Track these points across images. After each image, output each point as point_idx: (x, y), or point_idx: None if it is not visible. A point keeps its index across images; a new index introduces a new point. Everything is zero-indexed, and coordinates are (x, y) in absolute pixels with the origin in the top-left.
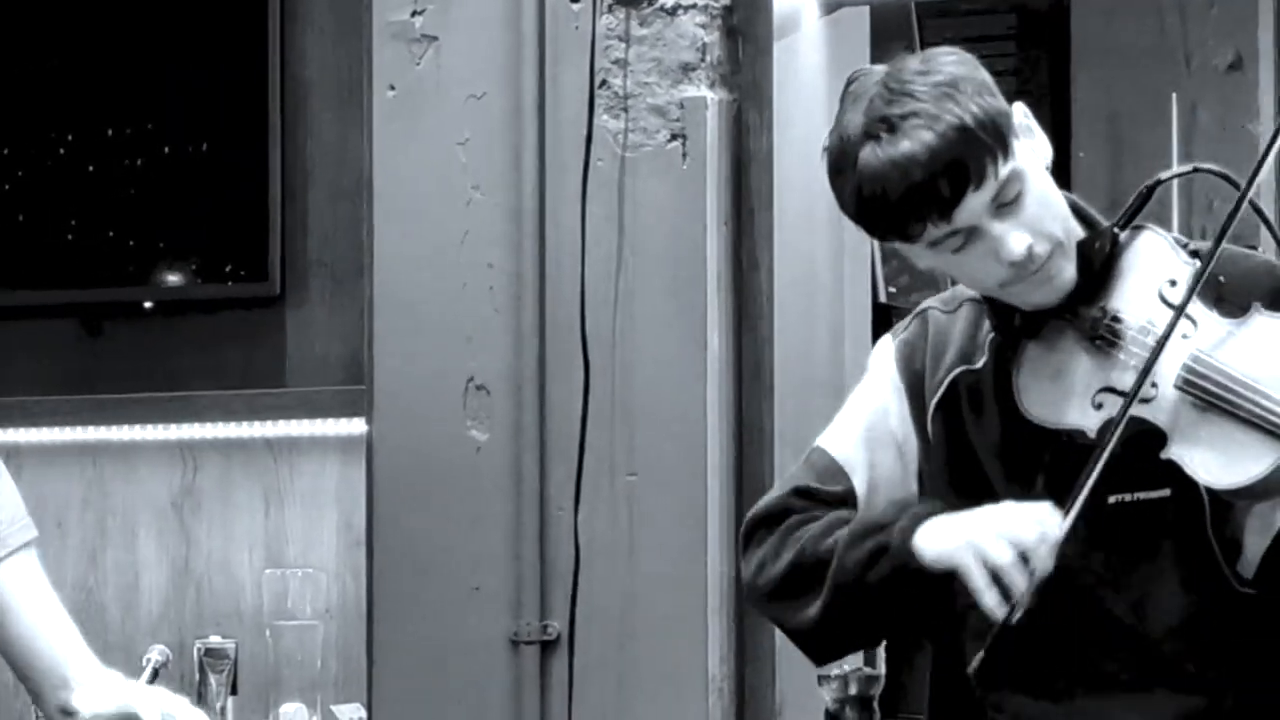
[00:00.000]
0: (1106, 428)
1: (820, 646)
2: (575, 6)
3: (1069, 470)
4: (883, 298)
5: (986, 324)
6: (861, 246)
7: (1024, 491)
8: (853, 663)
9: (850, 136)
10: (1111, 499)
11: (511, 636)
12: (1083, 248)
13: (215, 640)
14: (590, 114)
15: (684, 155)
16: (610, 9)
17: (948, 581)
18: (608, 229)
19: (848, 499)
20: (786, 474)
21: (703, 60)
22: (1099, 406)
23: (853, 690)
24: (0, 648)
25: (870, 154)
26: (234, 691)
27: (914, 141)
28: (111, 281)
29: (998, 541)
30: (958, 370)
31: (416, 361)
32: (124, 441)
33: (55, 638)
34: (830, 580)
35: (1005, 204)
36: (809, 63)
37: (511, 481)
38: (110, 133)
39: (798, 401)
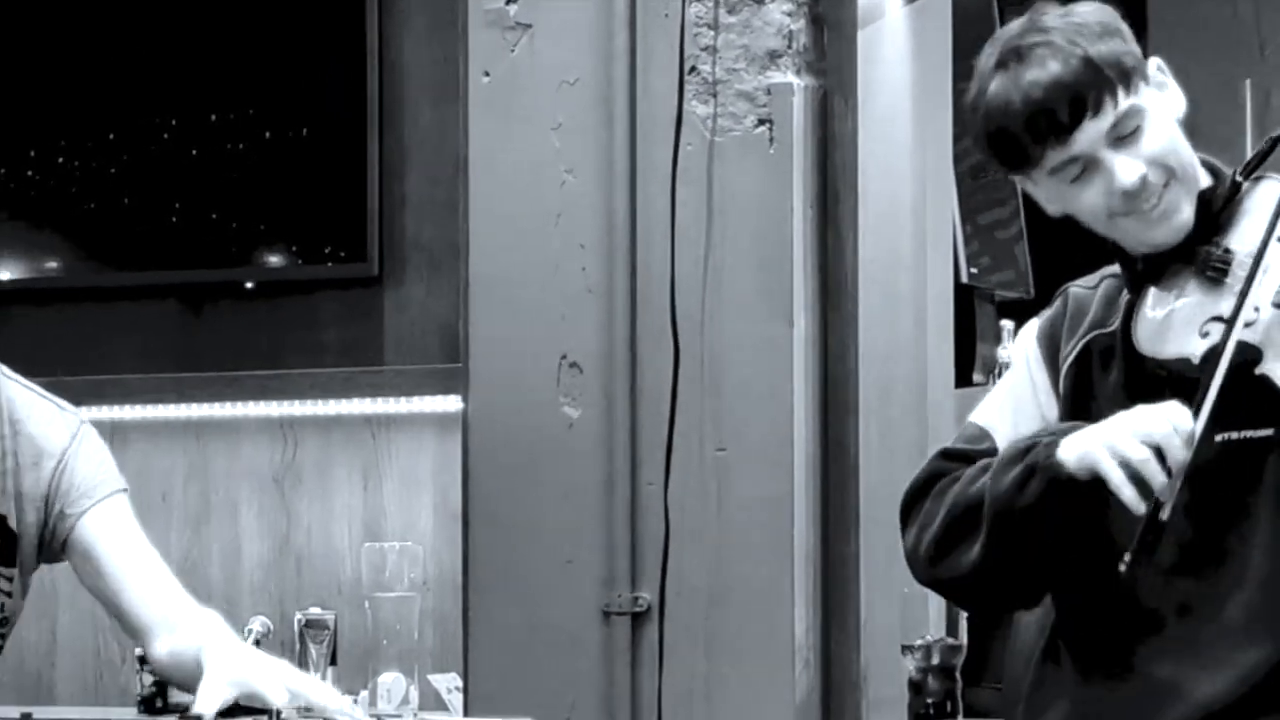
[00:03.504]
0: (1210, 355)
1: (984, 592)
2: None
3: (1186, 404)
4: (964, 278)
5: (1123, 293)
6: (944, 228)
7: None
8: (935, 633)
9: (984, 71)
10: (1218, 437)
11: (603, 608)
12: (1204, 195)
13: (315, 611)
14: (680, 99)
15: (771, 140)
16: None
17: (1098, 489)
18: (697, 211)
19: (992, 454)
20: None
21: (789, 47)
22: (1205, 335)
23: (935, 660)
24: (96, 596)
25: (999, 81)
26: (333, 661)
27: (1039, 68)
28: (214, 263)
29: (1131, 439)
30: (1092, 334)
31: (511, 340)
32: (226, 418)
33: (146, 581)
34: (987, 512)
35: (1122, 137)
36: (892, 50)
37: (603, 456)
38: (213, 118)
39: (881, 378)
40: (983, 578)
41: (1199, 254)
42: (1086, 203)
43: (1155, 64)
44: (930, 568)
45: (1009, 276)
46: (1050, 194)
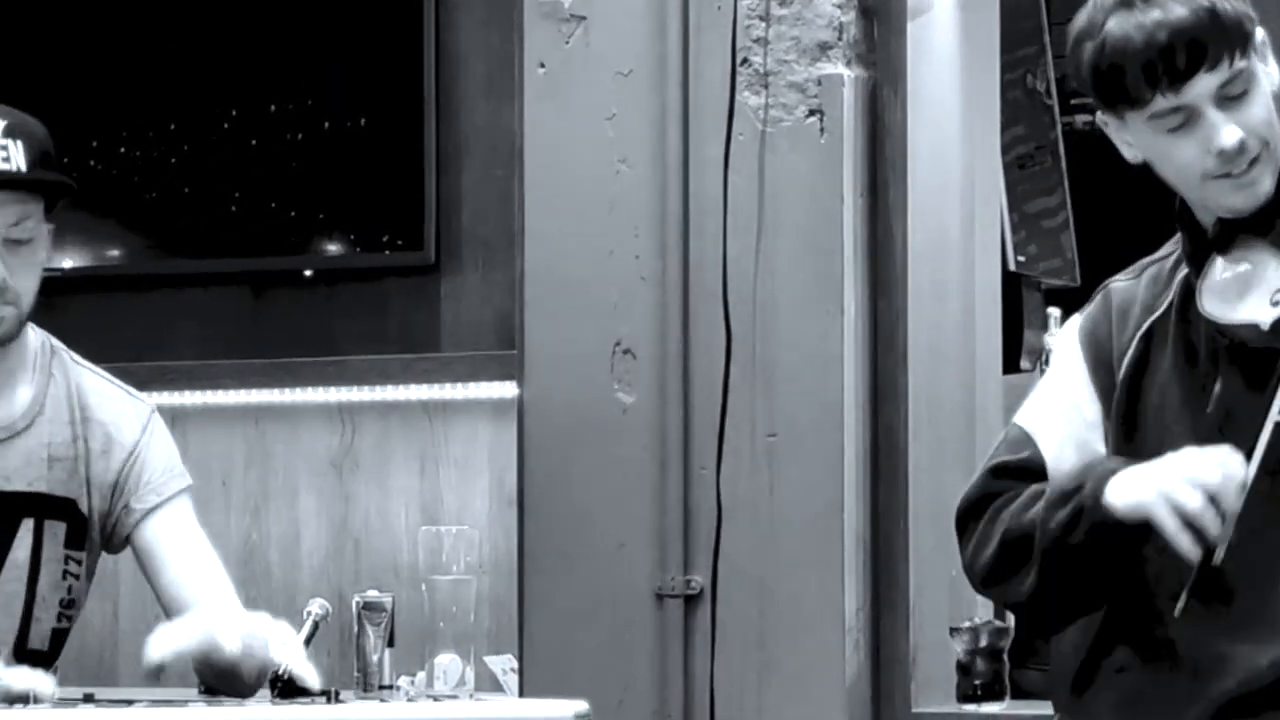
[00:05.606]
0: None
1: (1042, 617)
2: None
3: (1242, 374)
4: (1012, 266)
5: (1170, 272)
6: (992, 217)
7: (1200, 407)
8: (983, 615)
9: (1104, 5)
10: (1276, 419)
11: (656, 590)
12: None
13: (373, 594)
14: (732, 90)
15: (822, 130)
16: None
17: (1144, 532)
18: (748, 200)
19: (1036, 463)
20: (989, 451)
21: (839, 39)
22: (1276, 304)
23: (983, 642)
24: (155, 592)
25: (1122, 18)
26: (391, 643)
27: (1165, 11)
28: (273, 251)
29: (1186, 487)
30: (1147, 323)
31: (565, 327)
32: (285, 404)
33: (203, 584)
34: (1038, 549)
35: (1230, 97)
36: (941, 42)
37: (656, 442)
38: (273, 108)
39: (930, 365)
40: (1038, 603)
41: (1277, 225)
42: (1179, 158)
43: (1261, 35)
44: (984, 587)
45: (1055, 264)
46: (1139, 140)
